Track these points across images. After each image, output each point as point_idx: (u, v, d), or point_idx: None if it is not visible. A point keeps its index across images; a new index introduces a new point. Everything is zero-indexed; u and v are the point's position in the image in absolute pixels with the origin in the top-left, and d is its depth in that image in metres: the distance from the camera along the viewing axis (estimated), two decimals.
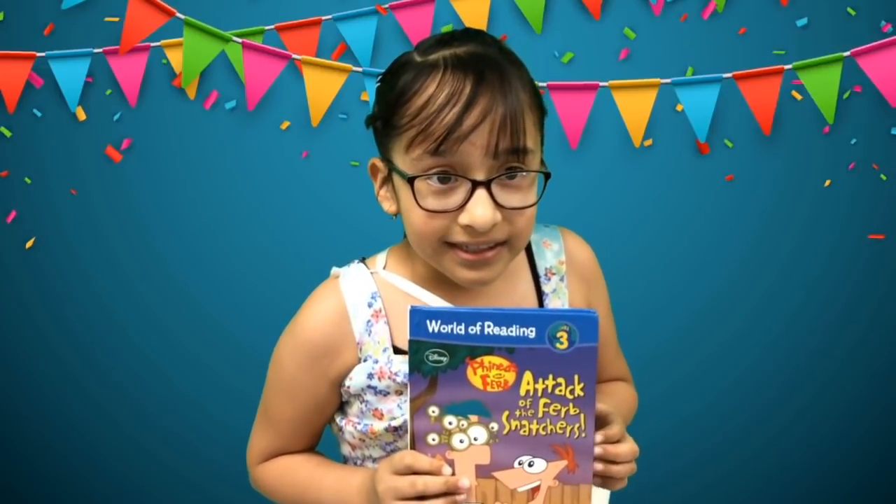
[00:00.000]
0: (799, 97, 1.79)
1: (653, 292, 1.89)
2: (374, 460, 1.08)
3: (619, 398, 1.18)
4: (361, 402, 1.05)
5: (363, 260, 1.09)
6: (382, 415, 1.04)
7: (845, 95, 1.79)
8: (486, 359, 0.88)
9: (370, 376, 1.03)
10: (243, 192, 1.89)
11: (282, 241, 1.90)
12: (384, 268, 1.07)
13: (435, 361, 0.88)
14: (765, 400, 1.95)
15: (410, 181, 0.95)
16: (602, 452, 0.93)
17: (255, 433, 1.14)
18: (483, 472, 0.91)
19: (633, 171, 1.85)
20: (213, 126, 1.86)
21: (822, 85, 1.70)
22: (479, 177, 0.94)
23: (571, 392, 0.89)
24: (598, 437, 0.93)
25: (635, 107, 1.74)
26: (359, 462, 1.10)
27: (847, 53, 1.69)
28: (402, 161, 0.97)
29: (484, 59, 0.97)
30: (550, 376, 0.88)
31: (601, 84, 1.73)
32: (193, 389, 1.96)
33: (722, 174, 1.85)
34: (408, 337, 0.88)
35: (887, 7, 1.76)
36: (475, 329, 0.87)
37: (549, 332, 0.87)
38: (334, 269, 1.09)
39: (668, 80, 1.74)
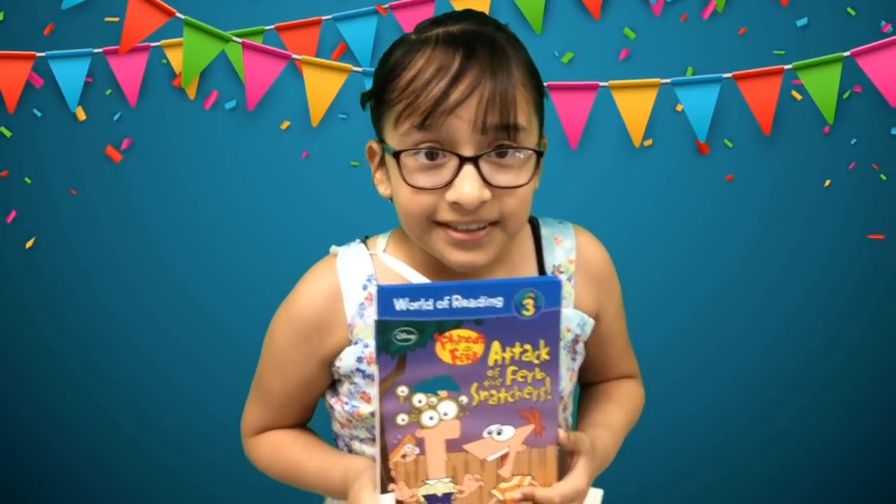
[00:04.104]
0: (799, 97, 1.79)
1: (653, 292, 1.89)
2: (362, 440, 1.08)
3: (626, 408, 1.16)
4: (351, 384, 1.05)
5: (366, 239, 1.08)
6: (370, 398, 1.04)
7: (845, 95, 1.79)
8: (455, 332, 0.87)
9: (359, 360, 1.03)
10: (243, 192, 1.89)
11: (282, 241, 1.90)
12: (384, 250, 1.06)
13: (403, 340, 0.87)
14: (765, 400, 1.95)
15: (396, 156, 0.94)
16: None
17: (248, 405, 1.14)
18: (453, 446, 0.91)
19: (633, 171, 1.85)
20: (213, 126, 1.86)
21: (822, 85, 1.70)
22: (467, 152, 0.92)
23: (538, 357, 0.89)
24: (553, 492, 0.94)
25: (635, 107, 1.74)
26: (347, 440, 1.11)
27: (847, 53, 1.69)
28: (391, 137, 0.96)
29: (476, 36, 0.95)
30: (517, 344, 0.89)
31: (601, 84, 1.73)
32: (193, 389, 1.96)
33: (722, 174, 1.85)
34: (374, 317, 0.87)
35: (887, 7, 1.76)
36: (443, 303, 0.87)
37: (516, 300, 0.87)
38: (333, 248, 1.08)
39: (668, 80, 1.74)
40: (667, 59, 1.78)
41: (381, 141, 0.99)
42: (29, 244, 1.92)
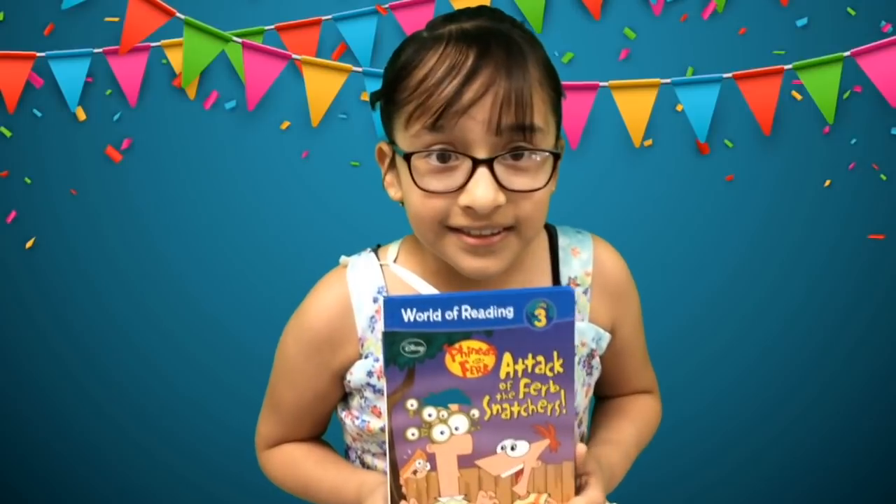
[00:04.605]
0: (799, 97, 1.79)
1: (653, 292, 1.88)
2: (373, 454, 1.07)
3: (639, 424, 1.12)
4: (361, 398, 1.03)
5: (377, 248, 1.06)
6: (380, 413, 1.01)
7: (845, 95, 1.79)
8: (465, 344, 0.85)
9: (370, 374, 1.01)
10: (243, 192, 1.89)
11: (282, 241, 1.90)
12: (395, 260, 1.03)
13: (412, 352, 0.84)
14: (765, 400, 1.95)
15: (407, 158, 0.91)
16: None
17: (262, 418, 1.11)
18: (465, 461, 0.88)
19: (633, 171, 1.85)
20: (213, 126, 1.86)
21: (822, 85, 1.70)
22: (481, 155, 0.89)
23: (551, 369, 0.86)
24: None
25: (635, 107, 1.74)
26: (359, 453, 1.09)
27: (847, 53, 1.69)
28: (402, 139, 0.93)
29: (491, 33, 0.92)
30: (530, 356, 0.86)
31: (601, 84, 1.73)
32: (193, 389, 1.96)
33: (722, 174, 1.85)
34: (382, 329, 0.84)
35: (887, 7, 1.76)
36: (452, 314, 0.84)
37: (528, 311, 0.84)
38: (343, 258, 1.05)
39: (668, 80, 1.74)
40: (667, 59, 1.78)
41: (392, 142, 0.96)
42: (29, 244, 1.92)
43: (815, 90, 1.71)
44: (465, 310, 0.84)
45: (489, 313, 0.84)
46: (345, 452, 1.13)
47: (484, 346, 0.85)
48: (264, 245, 1.91)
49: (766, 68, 1.72)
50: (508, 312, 0.84)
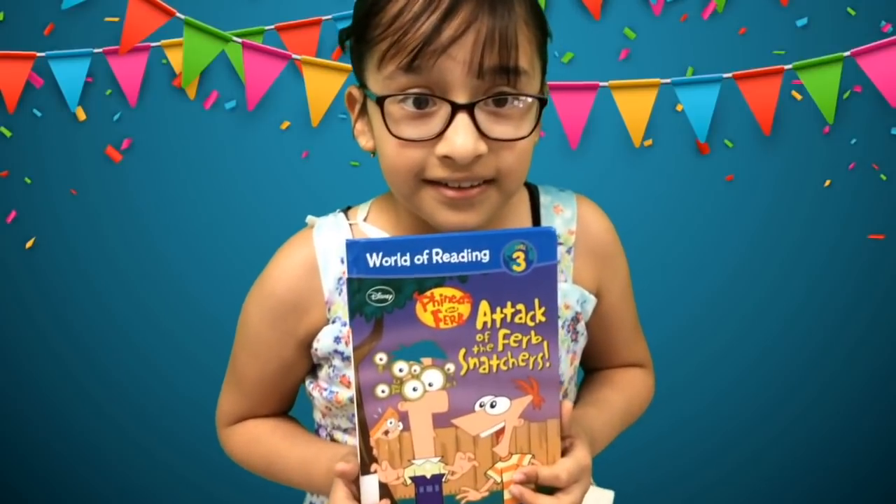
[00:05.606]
0: (799, 97, 1.79)
1: (652, 292, 1.89)
2: (344, 430, 1.01)
3: (626, 394, 1.06)
4: (329, 367, 0.96)
5: (347, 209, 1.00)
6: (350, 383, 0.94)
7: (845, 95, 1.79)
8: (437, 291, 0.77)
9: (337, 340, 0.94)
10: (243, 192, 1.89)
11: (282, 241, 1.89)
12: (365, 219, 0.97)
13: (379, 301, 0.77)
14: (765, 400, 1.95)
15: (380, 102, 0.83)
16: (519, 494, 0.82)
17: (223, 393, 1.04)
18: (441, 420, 0.81)
19: (633, 171, 1.85)
20: (213, 126, 1.86)
21: (822, 85, 1.70)
22: (461, 99, 0.81)
23: (532, 318, 0.79)
24: (545, 471, 0.83)
25: (635, 107, 1.74)
26: (329, 430, 1.02)
27: (847, 53, 1.69)
28: (374, 81, 0.84)
29: None
30: (509, 304, 0.79)
31: (601, 84, 1.73)
32: (193, 389, 1.96)
33: (722, 174, 1.85)
34: (346, 276, 0.76)
35: (887, 7, 1.76)
36: (422, 258, 0.77)
37: (505, 254, 0.77)
38: (309, 218, 0.99)
39: (668, 80, 1.74)
40: (667, 59, 1.78)
41: (363, 86, 0.88)
42: (29, 244, 1.92)
43: (815, 90, 1.71)
44: (437, 253, 0.77)
45: (463, 257, 0.77)
46: (315, 432, 1.06)
47: (458, 294, 0.78)
48: (264, 245, 1.89)
49: (766, 68, 1.72)
50: (484, 256, 0.78)
